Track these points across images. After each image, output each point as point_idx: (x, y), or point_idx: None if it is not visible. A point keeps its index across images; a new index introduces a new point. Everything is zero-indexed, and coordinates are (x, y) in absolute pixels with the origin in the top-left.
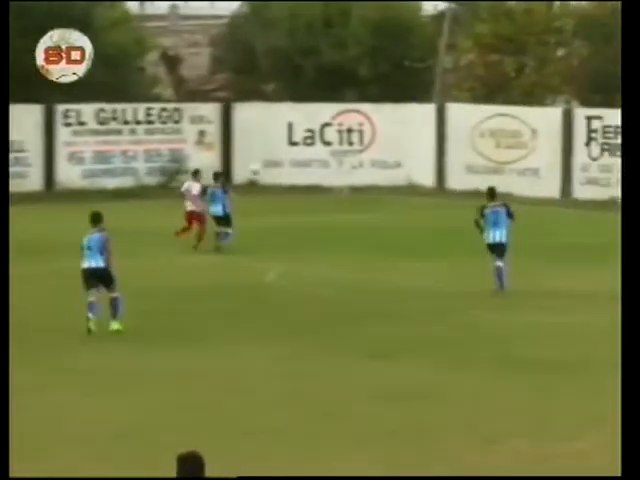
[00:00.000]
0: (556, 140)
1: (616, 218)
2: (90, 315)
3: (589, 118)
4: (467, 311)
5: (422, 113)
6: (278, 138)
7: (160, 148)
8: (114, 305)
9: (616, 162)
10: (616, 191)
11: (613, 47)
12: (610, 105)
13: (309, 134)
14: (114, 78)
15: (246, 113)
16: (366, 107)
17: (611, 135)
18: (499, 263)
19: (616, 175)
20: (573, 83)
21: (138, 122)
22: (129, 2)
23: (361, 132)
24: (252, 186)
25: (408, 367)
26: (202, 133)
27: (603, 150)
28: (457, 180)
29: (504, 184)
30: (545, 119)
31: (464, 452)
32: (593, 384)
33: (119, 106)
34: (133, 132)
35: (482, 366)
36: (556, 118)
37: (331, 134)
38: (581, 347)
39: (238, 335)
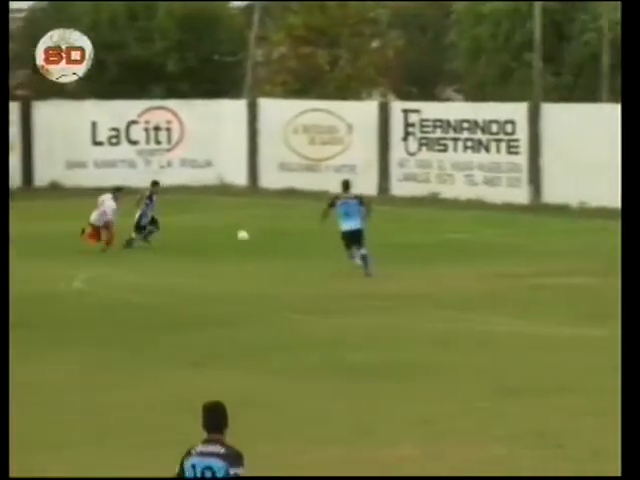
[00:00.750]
0: (372, 135)
1: (435, 215)
2: None
3: (406, 112)
4: (290, 315)
5: (233, 109)
6: (81, 138)
7: None
8: None
9: (434, 157)
10: (435, 187)
11: (428, 38)
12: (427, 98)
13: (114, 133)
14: None
15: (47, 112)
16: (174, 104)
17: (429, 129)
18: (362, 251)
19: (435, 170)
20: (389, 75)
21: None
22: None
23: (169, 130)
24: (54, 189)
25: (228, 375)
26: None
27: (421, 145)
28: (270, 178)
29: (320, 182)
30: (361, 114)
31: (286, 458)
32: (416, 389)
33: None
34: None
35: (306, 372)
36: (372, 112)
37: (137, 133)
38: (405, 351)
39: (43, 344)
